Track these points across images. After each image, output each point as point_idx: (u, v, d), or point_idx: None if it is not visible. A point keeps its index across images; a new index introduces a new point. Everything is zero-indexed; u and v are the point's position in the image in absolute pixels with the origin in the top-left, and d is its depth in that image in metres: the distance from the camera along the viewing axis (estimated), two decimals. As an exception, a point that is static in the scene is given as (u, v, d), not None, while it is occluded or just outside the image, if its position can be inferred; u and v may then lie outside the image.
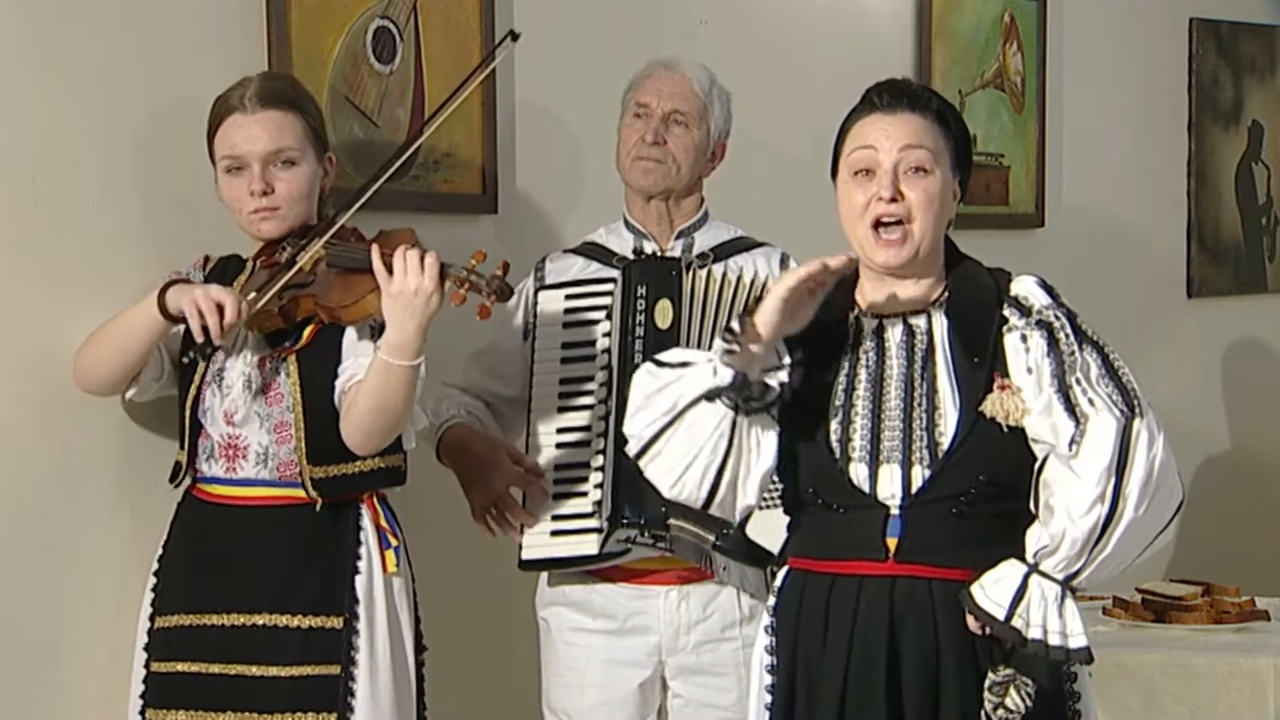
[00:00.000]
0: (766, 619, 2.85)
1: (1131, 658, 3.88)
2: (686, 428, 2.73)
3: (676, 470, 2.76)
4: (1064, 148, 5.53)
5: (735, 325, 2.70)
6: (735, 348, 2.69)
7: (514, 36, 3.20)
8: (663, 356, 2.80)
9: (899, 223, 2.73)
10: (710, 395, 2.70)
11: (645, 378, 2.78)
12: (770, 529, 2.98)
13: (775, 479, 2.84)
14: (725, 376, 2.69)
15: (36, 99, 3.13)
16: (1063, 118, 5.52)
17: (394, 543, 3.11)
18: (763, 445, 2.76)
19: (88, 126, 3.20)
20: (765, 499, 3.02)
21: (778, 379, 2.75)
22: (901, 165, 2.73)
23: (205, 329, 2.90)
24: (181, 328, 2.98)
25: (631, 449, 2.79)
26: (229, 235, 3.22)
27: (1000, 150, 5.29)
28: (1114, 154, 5.75)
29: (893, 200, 2.72)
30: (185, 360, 3.03)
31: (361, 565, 3.06)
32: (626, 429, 2.79)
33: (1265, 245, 6.35)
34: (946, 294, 2.80)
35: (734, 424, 2.72)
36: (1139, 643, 3.97)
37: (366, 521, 3.09)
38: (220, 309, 2.90)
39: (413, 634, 3.16)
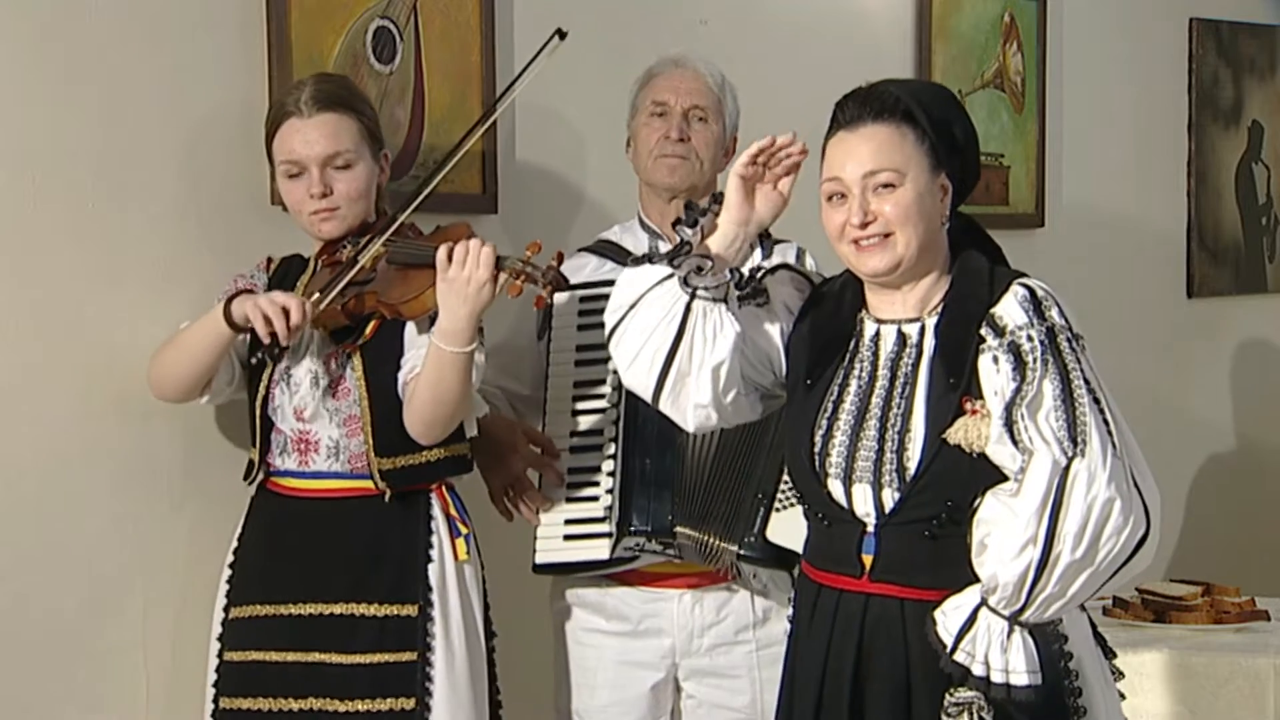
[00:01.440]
0: (789, 618, 2.87)
1: (1131, 658, 3.88)
2: (642, 311, 2.76)
3: (630, 354, 2.79)
4: (1064, 148, 5.53)
5: (696, 201, 2.77)
6: (691, 226, 2.74)
7: (561, 35, 3.22)
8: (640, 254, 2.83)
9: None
10: (658, 264, 2.76)
11: (622, 272, 2.81)
12: (791, 529, 2.97)
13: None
14: (664, 246, 2.71)
15: (37, 99, 3.13)
16: (1063, 118, 5.52)
17: (464, 530, 3.18)
18: (717, 339, 2.76)
19: (88, 127, 3.20)
20: (782, 499, 3.03)
21: (739, 269, 2.79)
22: (869, 186, 2.72)
23: (273, 333, 2.97)
24: (248, 335, 3.05)
25: (607, 337, 2.82)
26: (231, 235, 3.22)
27: (1000, 150, 5.29)
28: (1114, 154, 5.75)
29: (864, 225, 2.72)
30: (254, 361, 3.12)
31: (434, 554, 3.13)
32: (605, 319, 2.82)
33: (1265, 245, 6.35)
34: (943, 302, 2.77)
35: (687, 309, 2.74)
36: (1139, 643, 3.97)
37: (437, 510, 3.16)
38: (286, 312, 2.98)
39: (484, 621, 3.21)
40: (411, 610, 3.09)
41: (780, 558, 3.11)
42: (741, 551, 3.19)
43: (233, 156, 3.38)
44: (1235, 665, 3.82)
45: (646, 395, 2.81)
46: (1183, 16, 6.00)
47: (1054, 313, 2.68)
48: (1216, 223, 6.14)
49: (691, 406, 2.80)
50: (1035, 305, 2.68)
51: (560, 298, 3.37)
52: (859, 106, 2.75)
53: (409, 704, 3.06)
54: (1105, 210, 5.70)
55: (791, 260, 3.42)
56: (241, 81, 3.42)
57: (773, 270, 2.93)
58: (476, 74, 3.84)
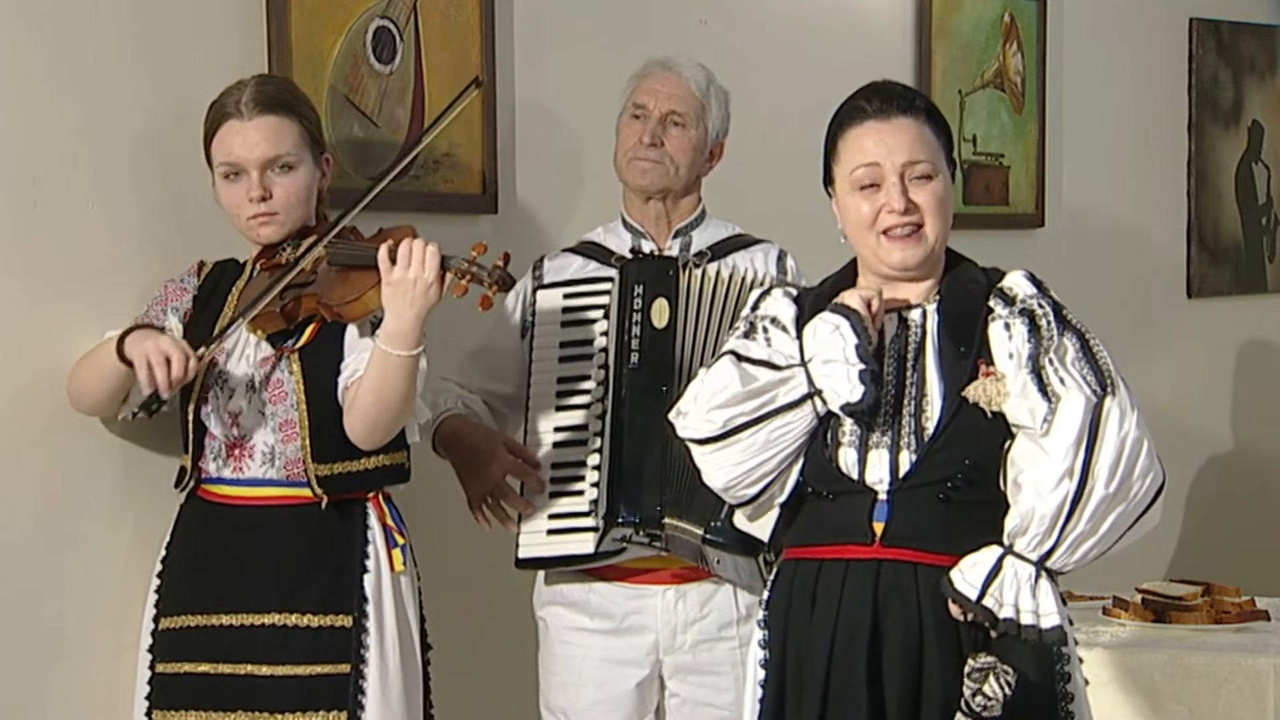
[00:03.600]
0: (760, 613, 2.87)
1: (1131, 658, 3.88)
2: (772, 430, 2.77)
3: (743, 467, 2.79)
4: (1064, 148, 5.53)
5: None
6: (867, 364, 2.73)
7: (478, 84, 3.25)
8: (742, 351, 2.81)
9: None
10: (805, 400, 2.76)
11: (732, 371, 2.78)
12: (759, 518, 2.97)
13: None
14: (859, 394, 2.71)
15: (36, 99, 3.12)
16: (1063, 118, 5.52)
17: (401, 541, 3.12)
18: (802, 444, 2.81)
19: (88, 127, 3.19)
20: None
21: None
22: (907, 175, 2.78)
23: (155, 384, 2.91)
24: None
25: (697, 433, 2.80)
26: (228, 236, 3.22)
27: (1000, 150, 5.29)
28: (1114, 154, 5.75)
29: (905, 211, 2.76)
30: (137, 414, 3.06)
31: (369, 564, 3.07)
32: (696, 415, 2.80)
33: (1265, 245, 6.35)
34: (940, 291, 2.84)
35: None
36: (1139, 643, 3.97)
37: (373, 520, 3.10)
38: (168, 362, 2.90)
39: (419, 632, 3.17)
40: (346, 621, 3.02)
41: (746, 544, 3.10)
42: (707, 536, 3.19)
43: (232, 156, 3.37)
44: (1235, 665, 3.82)
45: (734, 500, 2.87)
46: (1183, 16, 6.00)
47: (1054, 293, 2.82)
48: (1216, 223, 6.14)
49: (773, 505, 2.87)
50: (1038, 283, 2.82)
51: (544, 296, 3.37)
52: (885, 100, 2.81)
53: (341, 717, 2.99)
54: (1105, 210, 5.70)
55: (772, 263, 3.44)
56: (241, 81, 3.41)
57: (766, 291, 2.95)
58: (476, 74, 3.84)
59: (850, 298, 2.76)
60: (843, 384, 2.71)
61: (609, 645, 3.35)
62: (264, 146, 3.05)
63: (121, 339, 2.97)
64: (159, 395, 2.93)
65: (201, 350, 2.98)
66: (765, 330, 2.85)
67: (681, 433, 2.84)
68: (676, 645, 3.35)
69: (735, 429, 2.77)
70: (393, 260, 2.88)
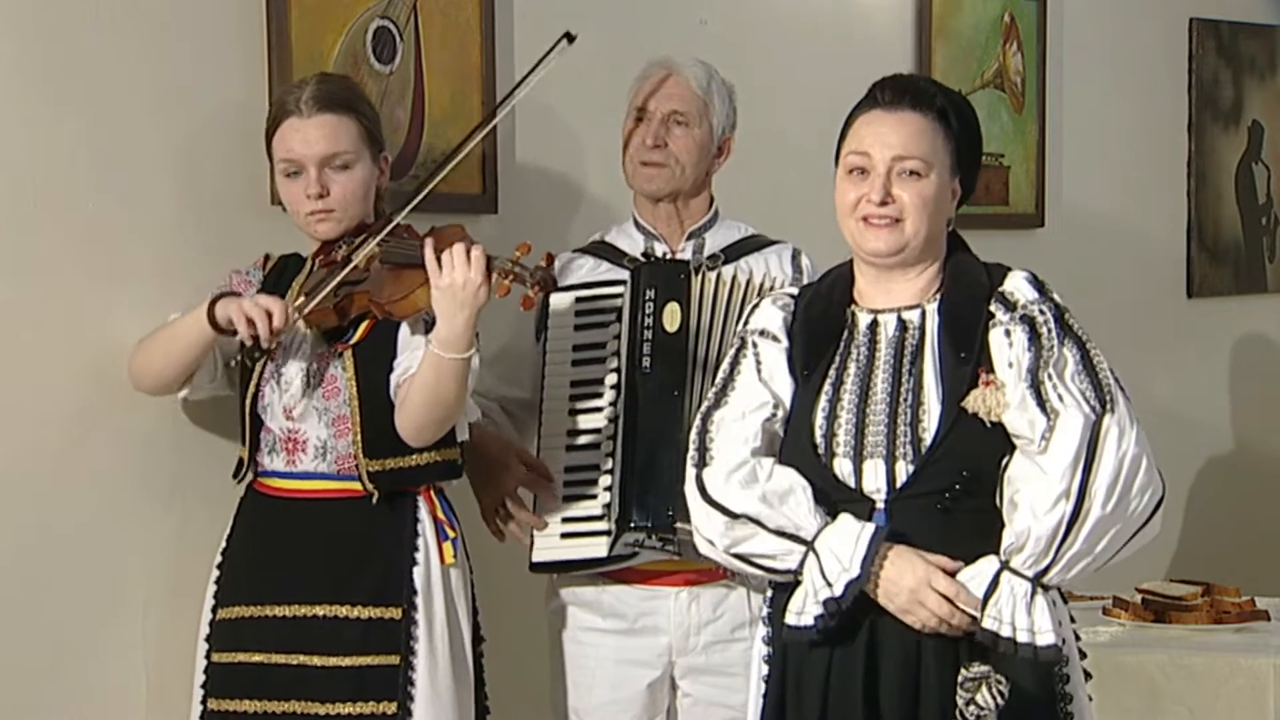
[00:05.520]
0: (763, 612, 2.88)
1: (1131, 658, 3.88)
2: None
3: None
4: (1064, 148, 5.53)
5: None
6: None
7: (570, 38, 3.23)
8: (776, 518, 2.75)
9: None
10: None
11: (761, 531, 2.75)
12: None
13: None
14: (810, 621, 2.70)
15: (36, 100, 3.13)
16: (1063, 118, 5.52)
17: (451, 534, 3.15)
18: None
19: (88, 127, 3.20)
20: None
21: None
22: (895, 169, 2.77)
23: (255, 335, 2.96)
24: (237, 337, 3.03)
25: (723, 546, 2.79)
26: (229, 235, 3.23)
27: (1000, 150, 5.29)
28: (1114, 154, 5.75)
29: (882, 204, 2.75)
30: (235, 363, 3.11)
31: (419, 556, 3.11)
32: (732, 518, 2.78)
33: (1265, 245, 6.35)
34: (941, 290, 2.82)
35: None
36: (1139, 643, 3.97)
37: (424, 513, 3.14)
38: (269, 314, 2.96)
39: (470, 625, 3.19)
40: (395, 613, 3.07)
41: None
42: None
43: (232, 156, 3.38)
44: (1235, 665, 3.82)
45: None
46: (1183, 16, 6.00)
47: (1056, 296, 2.80)
48: (1216, 223, 6.14)
49: None
50: (1040, 286, 2.80)
51: (557, 299, 3.37)
52: (899, 92, 2.81)
53: (391, 708, 3.04)
54: (1105, 210, 5.70)
55: (787, 263, 3.44)
56: (241, 81, 3.41)
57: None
58: (476, 74, 3.84)
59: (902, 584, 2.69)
60: (816, 586, 2.69)
61: (622, 646, 3.35)
62: (322, 144, 3.09)
63: (210, 306, 3.02)
64: (260, 344, 2.97)
65: (300, 300, 3.03)
66: (755, 345, 2.86)
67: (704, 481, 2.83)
68: (689, 647, 3.35)
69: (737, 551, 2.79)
70: (438, 263, 2.92)
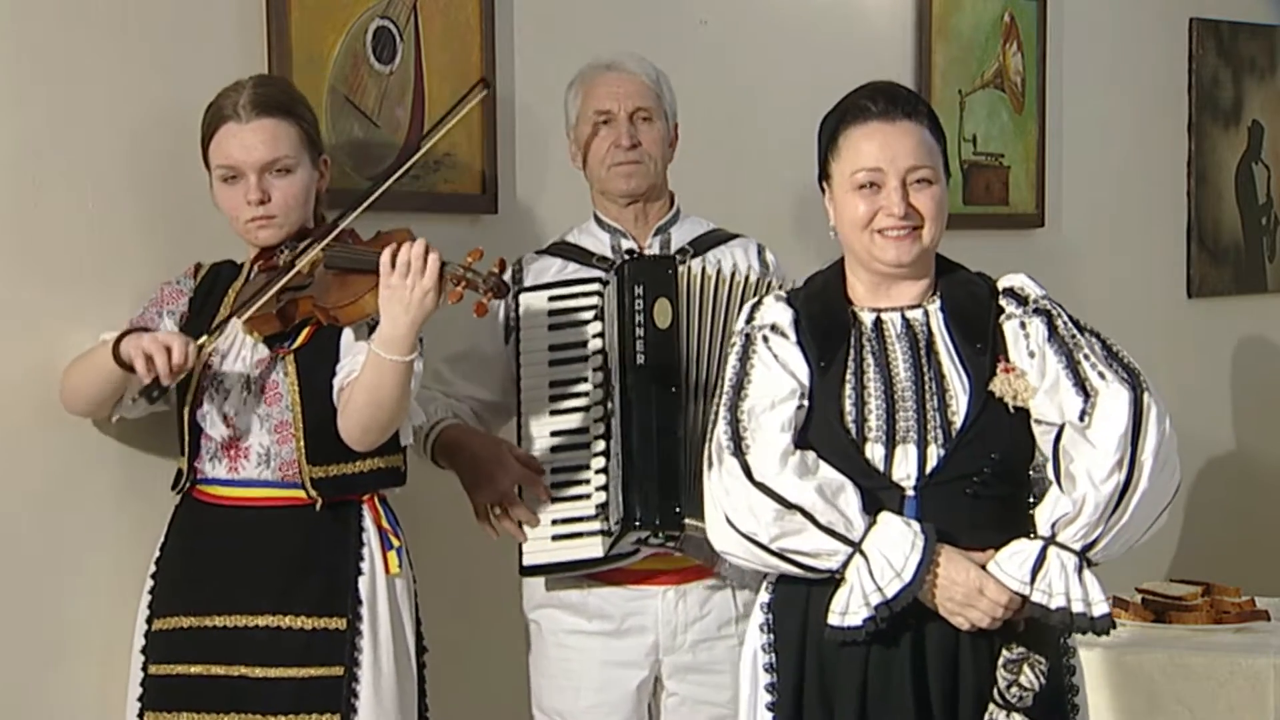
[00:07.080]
0: (760, 616, 2.86)
1: (1131, 658, 3.88)
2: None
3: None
4: (1064, 148, 5.53)
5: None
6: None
7: (486, 84, 3.25)
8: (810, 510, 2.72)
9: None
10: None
11: (805, 524, 2.71)
12: None
13: None
14: (860, 620, 2.67)
15: (36, 100, 3.13)
16: (1063, 118, 5.52)
17: (396, 544, 3.10)
18: None
19: (88, 127, 3.19)
20: None
21: None
22: (909, 180, 2.79)
23: (155, 375, 2.89)
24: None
25: (760, 536, 2.74)
26: (228, 236, 3.22)
27: (1000, 150, 5.29)
28: (1114, 154, 5.75)
29: (905, 216, 2.78)
30: (137, 400, 3.04)
31: (364, 566, 3.06)
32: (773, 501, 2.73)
33: (1265, 245, 6.35)
34: (938, 292, 2.86)
35: None
36: (1139, 643, 3.97)
37: (368, 522, 3.09)
38: (168, 351, 2.89)
39: (414, 635, 3.15)
40: (340, 624, 3.01)
41: None
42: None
43: (233, 156, 3.37)
44: (1235, 665, 3.82)
45: None
46: (1183, 16, 6.00)
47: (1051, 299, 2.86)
48: (1216, 223, 6.14)
49: None
50: (1041, 286, 2.86)
51: (528, 300, 3.36)
52: (891, 101, 2.82)
53: (334, 719, 2.99)
54: (1105, 210, 5.70)
55: (753, 256, 3.45)
56: (241, 81, 3.41)
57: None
58: (476, 74, 3.83)
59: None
60: (867, 590, 2.67)
61: (609, 647, 3.34)
62: (262, 150, 3.04)
63: (116, 343, 2.95)
64: (160, 383, 2.91)
65: (202, 339, 2.97)
66: (766, 340, 2.84)
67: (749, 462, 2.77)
68: (676, 645, 3.34)
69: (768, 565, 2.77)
70: (391, 263, 2.87)
